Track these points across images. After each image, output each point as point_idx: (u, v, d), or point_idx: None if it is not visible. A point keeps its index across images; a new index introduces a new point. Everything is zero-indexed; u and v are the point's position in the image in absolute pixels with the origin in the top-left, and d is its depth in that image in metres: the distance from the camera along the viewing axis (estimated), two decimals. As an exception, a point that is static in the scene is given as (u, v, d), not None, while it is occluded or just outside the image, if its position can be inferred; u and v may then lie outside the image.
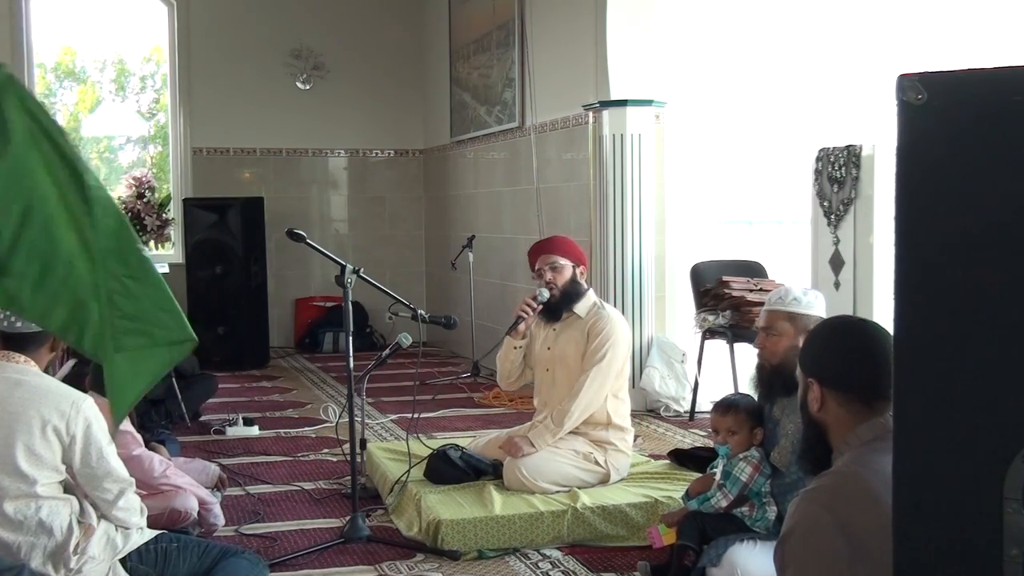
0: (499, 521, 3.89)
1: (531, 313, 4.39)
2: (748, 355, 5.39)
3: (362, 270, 4.20)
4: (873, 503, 1.81)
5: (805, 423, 2.19)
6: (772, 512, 3.32)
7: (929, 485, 1.40)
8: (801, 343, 3.20)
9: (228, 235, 8.53)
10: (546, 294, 4.40)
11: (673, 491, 4.08)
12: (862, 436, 2.02)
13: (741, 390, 5.19)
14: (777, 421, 3.36)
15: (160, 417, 5.76)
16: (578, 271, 4.45)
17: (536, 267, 4.48)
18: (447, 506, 3.99)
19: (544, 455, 4.22)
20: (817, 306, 3.32)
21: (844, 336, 2.19)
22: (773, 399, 3.39)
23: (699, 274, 6.22)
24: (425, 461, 4.40)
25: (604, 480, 4.28)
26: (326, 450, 5.50)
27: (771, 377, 3.34)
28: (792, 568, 1.96)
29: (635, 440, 5.46)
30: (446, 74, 9.23)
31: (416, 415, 5.24)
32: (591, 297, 4.47)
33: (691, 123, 6.80)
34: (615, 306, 6.32)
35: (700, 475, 3.73)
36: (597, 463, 4.28)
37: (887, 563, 1.45)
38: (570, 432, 4.31)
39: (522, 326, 4.42)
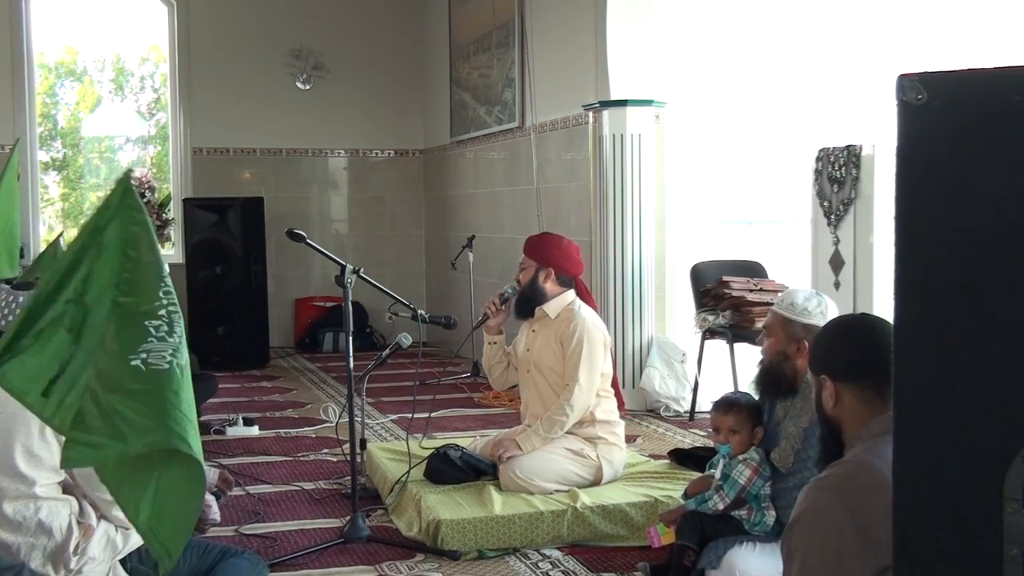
0: (499, 521, 3.89)
1: (494, 311, 4.47)
2: (748, 355, 5.40)
3: (362, 270, 4.20)
4: (883, 491, 1.81)
5: (821, 422, 2.21)
6: (771, 516, 3.31)
7: (929, 485, 1.40)
8: (790, 350, 3.22)
9: (228, 235, 8.53)
10: (509, 291, 4.49)
11: (673, 491, 4.08)
12: (873, 430, 2.05)
13: (741, 390, 5.19)
14: (779, 422, 3.35)
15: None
16: (542, 274, 4.39)
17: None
18: (447, 506, 3.99)
19: (537, 454, 4.22)
20: (817, 315, 3.19)
21: (849, 329, 2.25)
22: (774, 400, 3.39)
23: (699, 274, 6.22)
24: (425, 461, 4.40)
25: (598, 475, 4.28)
26: (326, 450, 5.50)
27: (763, 376, 3.35)
28: (800, 553, 1.96)
29: (635, 440, 5.48)
30: (446, 74, 9.22)
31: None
32: (566, 299, 4.40)
33: (691, 123, 6.80)
34: (615, 306, 6.34)
35: (700, 475, 3.73)
36: (589, 458, 4.27)
37: None
38: None
39: (491, 322, 4.49)
